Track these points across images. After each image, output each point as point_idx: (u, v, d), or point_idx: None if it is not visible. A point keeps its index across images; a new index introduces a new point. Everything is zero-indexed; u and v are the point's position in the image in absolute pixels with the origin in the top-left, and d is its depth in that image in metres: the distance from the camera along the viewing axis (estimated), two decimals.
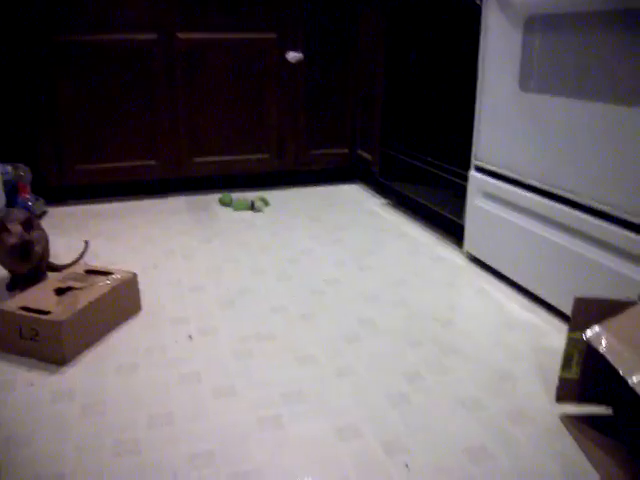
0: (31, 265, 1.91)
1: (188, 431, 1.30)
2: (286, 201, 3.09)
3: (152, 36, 2.85)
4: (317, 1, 3.07)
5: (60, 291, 1.71)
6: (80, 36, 2.76)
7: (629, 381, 1.09)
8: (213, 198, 3.11)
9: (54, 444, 1.26)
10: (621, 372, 1.12)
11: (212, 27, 2.93)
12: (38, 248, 1.94)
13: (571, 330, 1.31)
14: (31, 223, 1.91)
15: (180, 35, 2.89)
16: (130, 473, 1.18)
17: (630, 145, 1.50)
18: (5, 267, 1.94)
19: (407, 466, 1.20)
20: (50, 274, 2.00)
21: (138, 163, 3.02)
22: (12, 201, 2.65)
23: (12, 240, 1.83)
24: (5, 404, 1.40)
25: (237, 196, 3.05)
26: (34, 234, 1.93)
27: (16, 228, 1.86)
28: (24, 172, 2.76)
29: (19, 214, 1.94)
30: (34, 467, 1.20)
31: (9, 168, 2.70)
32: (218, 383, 1.48)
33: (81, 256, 2.13)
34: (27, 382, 1.49)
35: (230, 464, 1.20)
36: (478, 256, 2.20)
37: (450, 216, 2.39)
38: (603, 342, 1.20)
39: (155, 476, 1.17)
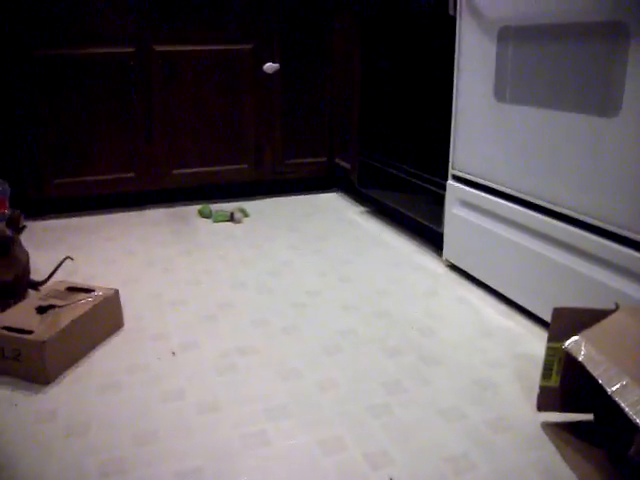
0: (13, 272, 1.90)
1: (174, 449, 1.31)
2: (265, 211, 3.10)
3: (129, 49, 2.85)
4: (293, 13, 3.08)
5: (42, 309, 1.71)
6: (58, 50, 2.76)
7: (608, 390, 1.11)
8: (192, 209, 3.11)
9: (37, 465, 1.26)
10: (600, 381, 1.14)
11: (188, 39, 2.94)
12: (23, 257, 1.94)
13: (550, 340, 1.33)
14: (14, 221, 1.91)
15: (157, 48, 2.89)
16: None
17: (602, 153, 1.52)
18: None
19: (391, 479, 1.21)
20: (30, 292, 2.00)
21: (116, 176, 3.01)
22: None
23: None
24: None
25: (216, 207, 3.06)
26: (17, 250, 1.93)
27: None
28: (2, 186, 2.75)
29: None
30: None
31: None
32: (202, 399, 1.48)
33: (55, 270, 2.11)
34: (10, 402, 1.49)
35: None
36: (457, 264, 2.22)
37: (429, 224, 2.41)
38: (582, 351, 1.22)
39: None
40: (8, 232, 1.86)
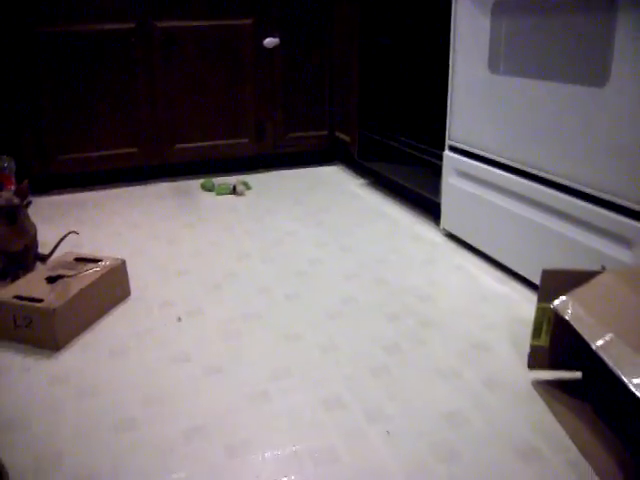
0: (23, 242, 1.95)
1: (181, 408, 1.37)
2: (267, 184, 3.15)
3: (130, 25, 2.89)
4: None
5: (51, 279, 1.77)
6: (60, 27, 2.80)
7: (592, 346, 1.17)
8: (195, 184, 3.17)
9: (52, 425, 1.33)
10: (585, 337, 1.20)
11: (189, 15, 2.97)
12: (31, 228, 1.99)
13: (540, 300, 1.38)
14: (23, 191, 1.96)
15: (157, 24, 2.93)
16: (127, 449, 1.25)
17: (591, 122, 1.57)
18: None
19: (388, 432, 1.27)
20: (38, 264, 2.06)
21: (120, 151, 3.07)
22: None
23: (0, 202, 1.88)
24: (3, 389, 1.46)
25: (219, 181, 3.11)
26: (25, 221, 1.98)
27: (7, 193, 1.91)
28: (8, 163, 2.80)
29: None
30: (34, 448, 1.26)
31: None
32: (208, 362, 1.55)
33: (59, 243, 2.16)
34: (23, 368, 1.55)
35: (223, 436, 1.27)
36: (455, 233, 2.28)
37: (427, 195, 2.46)
38: (569, 311, 1.28)
39: (152, 450, 1.24)
40: (16, 200, 1.91)
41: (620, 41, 1.46)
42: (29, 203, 2.24)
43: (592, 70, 1.55)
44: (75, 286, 1.72)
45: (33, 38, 2.77)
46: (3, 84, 2.83)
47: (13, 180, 2.80)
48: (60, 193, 3.05)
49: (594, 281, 1.32)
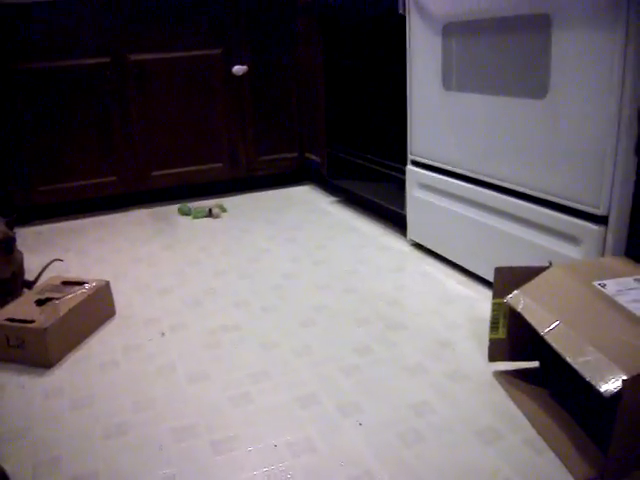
0: (11, 269, 2.05)
1: (170, 411, 1.48)
2: (242, 206, 3.27)
3: (105, 59, 3.01)
4: (258, 18, 3.25)
5: (40, 302, 1.87)
6: (37, 63, 2.90)
7: (540, 332, 1.29)
8: (173, 208, 3.28)
9: (49, 433, 1.43)
10: (535, 326, 1.32)
11: (162, 47, 3.09)
12: (18, 256, 2.09)
13: (495, 296, 1.51)
14: (11, 224, 2.05)
15: (131, 57, 3.05)
16: (120, 451, 1.35)
17: (535, 131, 1.71)
18: None
19: (360, 424, 1.39)
20: (25, 290, 2.16)
21: (99, 180, 3.17)
22: None
23: None
24: (0, 404, 1.56)
25: (195, 205, 3.23)
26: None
27: (1, 227, 1.99)
28: None
29: None
30: (33, 454, 1.35)
31: None
32: (192, 370, 1.66)
33: (44, 270, 2.26)
34: (18, 384, 1.65)
35: (210, 433, 1.39)
36: (421, 242, 2.41)
37: (394, 208, 2.59)
38: (521, 303, 1.40)
39: (142, 450, 1.34)
40: (12, 232, 2.01)
41: (556, 57, 1.60)
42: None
43: (533, 84, 1.70)
44: (63, 307, 1.83)
45: (10, 74, 2.88)
46: None
47: None
48: (43, 223, 3.15)
49: (542, 276, 1.45)
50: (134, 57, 3.06)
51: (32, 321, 1.75)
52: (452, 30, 2.00)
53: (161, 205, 3.36)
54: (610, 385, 1.09)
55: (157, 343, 1.82)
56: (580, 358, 1.18)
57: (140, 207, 3.34)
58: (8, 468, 1.29)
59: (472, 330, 1.78)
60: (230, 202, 3.33)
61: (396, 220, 2.72)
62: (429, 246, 2.35)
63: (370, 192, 2.79)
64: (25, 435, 1.43)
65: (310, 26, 3.16)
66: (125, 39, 3.03)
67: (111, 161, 3.16)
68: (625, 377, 1.07)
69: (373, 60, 2.56)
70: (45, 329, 1.71)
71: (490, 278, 2.01)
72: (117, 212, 3.28)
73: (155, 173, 3.26)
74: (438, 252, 2.30)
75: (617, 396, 1.07)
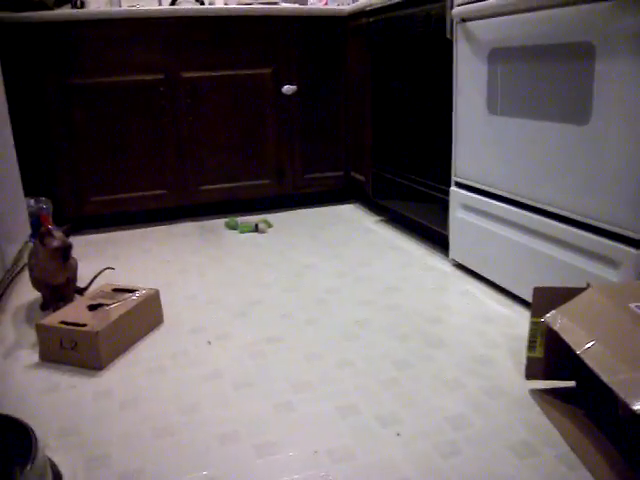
0: (66, 275, 2.13)
1: (214, 416, 1.54)
2: (287, 222, 3.34)
3: (159, 76, 3.12)
4: (310, 38, 3.34)
5: (92, 307, 1.95)
6: (92, 79, 3.03)
7: (577, 351, 1.33)
8: (219, 222, 3.36)
9: (99, 432, 1.49)
10: (571, 345, 1.35)
11: (213, 66, 3.20)
12: (73, 262, 2.17)
13: (533, 315, 1.54)
14: (68, 232, 2.14)
15: (184, 74, 3.15)
16: (166, 450, 1.41)
17: (576, 156, 1.75)
18: (41, 280, 2.12)
19: (399, 434, 1.43)
20: (76, 296, 2.24)
21: (148, 193, 3.27)
22: (36, 232, 2.88)
23: (56, 243, 2.03)
24: (53, 403, 1.63)
25: (242, 219, 3.31)
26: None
27: (59, 233, 2.07)
28: (46, 204, 3.01)
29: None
30: (84, 450, 1.42)
31: (32, 201, 2.96)
32: (237, 379, 1.71)
33: (96, 277, 2.35)
34: (70, 385, 1.72)
35: (253, 438, 1.44)
36: (462, 262, 2.45)
37: (436, 228, 2.64)
38: (558, 322, 1.44)
39: (190, 451, 1.40)
40: (69, 240, 2.09)
41: (599, 84, 1.64)
42: None
43: (576, 110, 1.73)
44: (114, 313, 1.90)
45: (67, 89, 3.00)
46: (43, 132, 3.04)
47: (50, 220, 3.00)
48: (93, 232, 3.26)
49: (580, 296, 1.48)
50: (186, 74, 3.16)
51: (84, 325, 1.83)
52: (498, 55, 2.05)
53: (208, 219, 3.45)
54: None
55: (203, 351, 1.89)
56: (615, 377, 1.21)
57: (188, 220, 3.44)
58: (60, 461, 1.36)
59: (510, 349, 1.82)
60: (276, 218, 3.41)
61: (438, 240, 2.76)
62: (470, 266, 2.39)
63: (413, 212, 2.84)
64: (76, 432, 1.50)
65: (359, 48, 3.23)
66: (178, 57, 3.13)
67: (162, 175, 3.26)
68: None
69: (419, 82, 2.62)
70: (97, 332, 1.78)
71: (529, 299, 2.03)
72: (165, 224, 3.37)
73: (204, 187, 3.35)
74: (479, 272, 2.34)
75: None
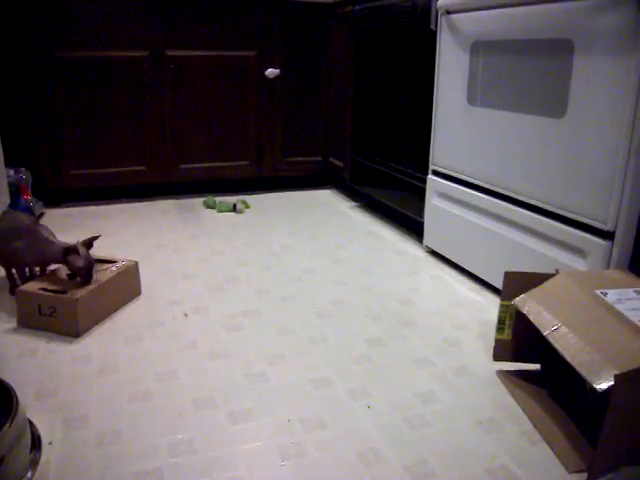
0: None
1: (190, 384, 1.58)
2: (265, 204, 3.37)
3: (143, 53, 3.13)
4: (294, 23, 3.37)
5: (72, 276, 1.97)
6: (78, 52, 3.04)
7: (543, 332, 1.38)
8: (198, 201, 3.39)
9: (77, 394, 1.53)
10: (538, 327, 1.41)
11: (198, 45, 3.22)
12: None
13: (503, 299, 1.60)
14: (91, 244, 2.03)
15: (169, 52, 3.17)
16: (142, 414, 1.45)
17: (551, 148, 1.81)
18: (23, 265, 2.05)
19: (369, 407, 1.48)
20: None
21: (129, 168, 3.29)
22: (15, 202, 2.89)
23: (80, 263, 1.92)
24: (31, 366, 1.66)
25: (220, 199, 3.34)
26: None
27: (83, 250, 1.95)
28: (25, 175, 3.01)
29: (25, 219, 2.05)
30: (63, 412, 1.45)
31: (12, 171, 2.96)
32: (212, 349, 1.76)
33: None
34: (48, 350, 1.75)
35: (227, 406, 1.48)
36: (436, 249, 2.50)
37: (412, 215, 2.69)
38: (527, 306, 1.49)
39: (166, 416, 1.44)
40: (93, 259, 1.98)
41: (575, 80, 1.70)
42: (41, 215, 2.34)
43: (553, 103, 1.79)
44: (94, 281, 1.93)
45: (52, 61, 3.00)
46: (24, 103, 3.05)
47: (29, 191, 3.01)
48: (72, 206, 3.27)
49: (549, 282, 1.54)
50: (171, 53, 3.18)
51: (64, 292, 1.86)
52: (480, 48, 2.10)
53: (187, 197, 3.48)
54: (604, 381, 1.18)
55: (180, 322, 1.93)
56: (579, 358, 1.27)
57: (166, 198, 3.46)
58: (39, 421, 1.39)
59: (479, 332, 1.88)
60: (254, 200, 3.44)
61: (413, 227, 2.82)
62: (443, 253, 2.45)
63: (389, 199, 2.90)
64: (54, 394, 1.53)
65: (344, 35, 3.27)
66: (164, 35, 3.15)
67: (142, 151, 3.28)
68: (617, 372, 1.16)
69: (402, 72, 2.67)
70: (76, 299, 1.81)
71: (500, 286, 2.09)
72: (144, 201, 3.40)
73: (183, 166, 3.38)
74: (452, 259, 2.40)
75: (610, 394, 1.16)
